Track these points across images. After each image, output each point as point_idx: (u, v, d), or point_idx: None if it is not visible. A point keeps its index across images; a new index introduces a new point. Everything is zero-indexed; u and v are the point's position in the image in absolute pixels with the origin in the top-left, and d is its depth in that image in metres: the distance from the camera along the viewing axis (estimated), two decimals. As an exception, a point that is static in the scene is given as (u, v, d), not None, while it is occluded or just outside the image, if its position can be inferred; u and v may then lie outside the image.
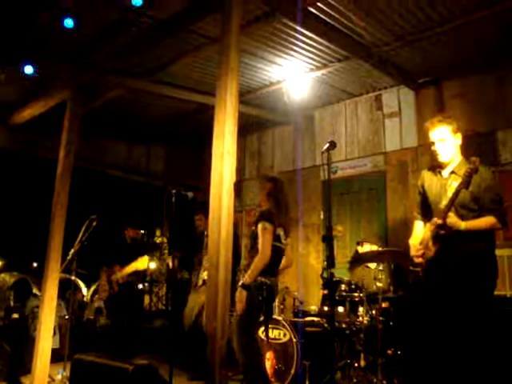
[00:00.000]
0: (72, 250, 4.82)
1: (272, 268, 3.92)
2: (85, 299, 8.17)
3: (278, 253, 3.90)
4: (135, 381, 3.31)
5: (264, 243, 3.74)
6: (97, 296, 6.12)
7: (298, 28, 4.69)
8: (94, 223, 4.87)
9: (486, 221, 3.08)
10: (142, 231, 6.65)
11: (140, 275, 6.07)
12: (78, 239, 4.84)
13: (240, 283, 3.69)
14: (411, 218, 5.87)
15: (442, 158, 3.29)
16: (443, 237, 3.16)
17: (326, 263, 5.32)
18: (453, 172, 3.24)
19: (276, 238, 3.87)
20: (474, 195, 3.12)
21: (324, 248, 6.83)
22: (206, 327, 4.82)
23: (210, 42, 4.81)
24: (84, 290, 8.09)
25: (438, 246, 3.21)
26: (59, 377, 4.25)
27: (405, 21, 4.66)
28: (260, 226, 3.81)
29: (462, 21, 4.70)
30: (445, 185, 3.24)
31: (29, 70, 4.32)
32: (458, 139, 3.27)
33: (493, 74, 5.67)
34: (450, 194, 3.11)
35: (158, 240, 9.61)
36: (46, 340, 4.25)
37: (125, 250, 5.97)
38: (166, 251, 10.00)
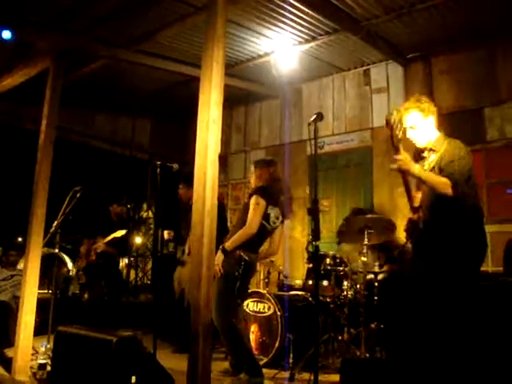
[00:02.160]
0: (55, 223, 4.75)
1: (253, 245, 3.90)
2: (70, 274, 8.14)
3: (263, 232, 3.89)
4: (119, 352, 3.30)
5: (253, 216, 3.74)
6: (75, 264, 6.09)
7: (288, -2, 4.61)
8: (78, 195, 4.78)
9: (441, 180, 2.99)
10: (129, 206, 6.56)
11: (121, 249, 6.04)
12: (62, 211, 4.76)
13: (220, 246, 3.69)
14: (397, 194, 5.97)
15: (418, 145, 3.26)
16: (430, 207, 3.17)
17: (311, 237, 5.38)
18: (431, 149, 3.21)
19: (265, 216, 3.87)
20: (438, 166, 3.09)
21: (309, 222, 6.85)
22: (189, 297, 4.93)
23: (196, 10, 4.72)
24: (69, 264, 8.05)
25: (425, 216, 3.22)
26: (43, 349, 4.21)
27: (396, -8, 4.60)
28: (253, 199, 3.81)
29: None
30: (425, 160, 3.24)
31: (6, 34, 4.16)
32: (430, 120, 3.20)
33: (481, 50, 5.65)
34: (426, 167, 3.13)
35: (144, 214, 9.57)
36: (28, 314, 4.18)
37: (109, 226, 5.94)
38: (153, 225, 9.98)
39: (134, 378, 3.29)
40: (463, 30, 5.35)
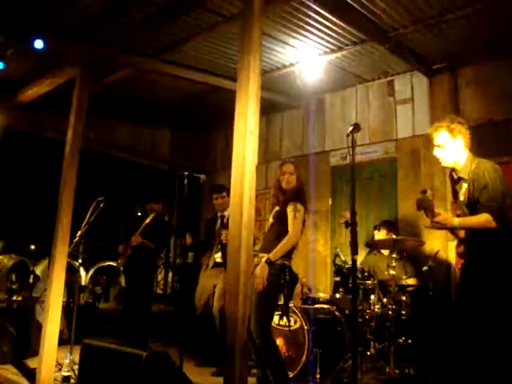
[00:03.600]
0: (79, 232, 4.71)
1: (292, 252, 3.85)
2: (83, 283, 8.11)
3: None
4: (149, 367, 3.23)
5: (295, 224, 3.70)
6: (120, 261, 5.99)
7: (316, 7, 4.55)
8: (102, 205, 4.76)
9: (479, 218, 3.04)
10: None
11: (160, 241, 5.93)
12: (85, 221, 4.73)
13: (265, 258, 3.63)
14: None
15: (443, 163, 3.33)
16: (468, 237, 3.23)
17: (338, 249, 5.32)
18: (460, 178, 3.26)
19: (303, 222, 3.83)
20: (472, 196, 3.14)
21: (330, 235, 6.78)
22: (216, 311, 4.85)
23: (225, 20, 4.68)
24: (82, 273, 8.03)
25: (465, 245, 3.28)
26: (67, 361, 4.15)
27: (426, 3, 4.53)
28: (291, 206, 3.74)
29: (481, 5, 4.58)
30: (459, 188, 3.30)
31: (39, 44, 4.16)
32: (458, 141, 3.24)
33: (508, 61, 5.54)
34: (462, 198, 3.23)
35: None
36: (53, 323, 4.13)
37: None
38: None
39: (163, 394, 3.22)
40: (490, 40, 5.27)
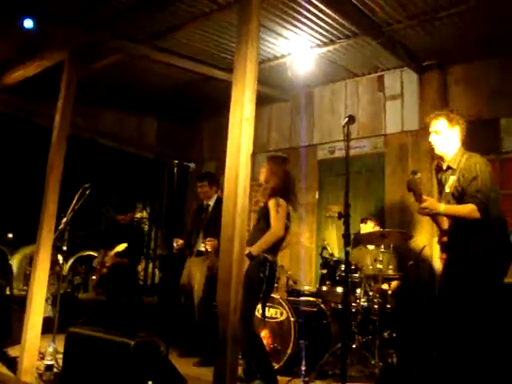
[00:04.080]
0: (64, 219, 4.62)
1: (277, 247, 3.84)
2: (63, 272, 7.99)
3: (286, 232, 3.85)
4: (136, 356, 3.19)
5: (278, 219, 3.68)
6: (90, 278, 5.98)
7: (312, -1, 4.53)
8: (88, 192, 4.68)
9: (465, 207, 3.13)
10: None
11: (134, 256, 5.93)
12: (71, 208, 4.64)
13: (246, 252, 3.57)
14: (408, 202, 5.92)
15: (436, 151, 3.43)
16: (452, 229, 3.31)
17: (325, 242, 5.34)
18: (449, 167, 3.35)
19: (287, 215, 3.83)
20: (460, 187, 3.22)
21: (316, 228, 6.79)
22: (197, 303, 4.82)
23: (220, 8, 4.62)
24: (61, 262, 7.90)
25: (448, 237, 3.36)
26: (50, 349, 4.07)
27: (421, -2, 4.54)
28: (273, 201, 3.74)
29: (475, 2, 4.60)
30: (445, 179, 3.39)
31: (28, 23, 4.04)
32: (454, 132, 3.34)
33: (498, 60, 5.60)
34: (448, 189, 3.31)
35: (139, 215, 9.45)
36: (36, 314, 4.02)
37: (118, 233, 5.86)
38: (147, 226, 9.87)
39: (150, 383, 3.18)
40: (481, 39, 5.31)
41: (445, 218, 3.39)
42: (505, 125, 5.51)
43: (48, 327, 4.37)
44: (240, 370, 3.96)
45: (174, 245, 5.02)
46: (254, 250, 3.67)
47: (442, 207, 3.18)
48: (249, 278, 3.60)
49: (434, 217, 3.37)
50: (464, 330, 3.09)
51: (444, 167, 3.41)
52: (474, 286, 3.10)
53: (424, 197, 3.20)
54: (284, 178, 3.97)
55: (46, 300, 6.10)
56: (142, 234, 6.40)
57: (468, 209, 3.11)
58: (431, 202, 3.18)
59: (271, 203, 3.80)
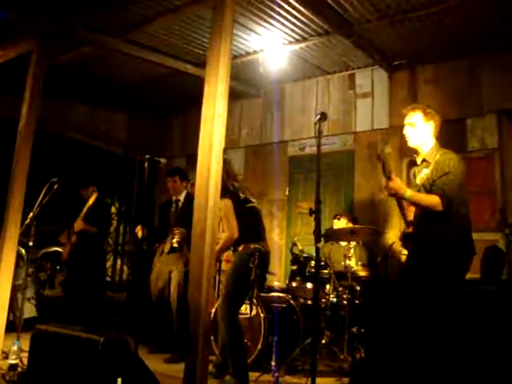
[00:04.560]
0: (31, 214, 4.51)
1: (258, 232, 3.95)
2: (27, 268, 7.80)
3: (253, 213, 3.96)
4: (105, 353, 3.13)
5: (228, 222, 3.77)
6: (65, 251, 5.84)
7: (285, -5, 4.54)
8: (56, 186, 4.58)
9: (430, 197, 3.14)
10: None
11: (102, 225, 5.83)
12: (38, 203, 4.53)
13: None
14: (378, 200, 6.01)
15: (409, 143, 3.41)
16: (418, 219, 3.31)
17: (296, 238, 5.36)
18: (424, 160, 3.35)
19: (245, 200, 3.91)
20: (431, 179, 3.22)
21: (286, 224, 6.83)
22: (174, 300, 4.79)
23: (192, 2, 4.57)
24: (26, 258, 7.71)
25: (415, 227, 3.35)
26: (14, 348, 3.96)
27: (393, -1, 4.60)
28: (221, 205, 3.75)
29: (445, 5, 4.70)
30: (417, 172, 3.40)
31: (-5, 12, 3.91)
32: (428, 126, 3.34)
33: (466, 61, 5.73)
34: (418, 181, 3.32)
35: (108, 210, 9.31)
36: (1, 311, 3.95)
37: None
38: (115, 221, 9.74)
39: (119, 381, 3.13)
40: (450, 40, 5.43)
41: (411, 209, 3.41)
42: (471, 125, 5.65)
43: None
44: (210, 366, 3.97)
45: (139, 234, 4.94)
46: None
47: (408, 193, 3.17)
48: (237, 269, 3.70)
49: (400, 204, 3.35)
50: (423, 323, 3.13)
51: (418, 161, 3.41)
52: (434, 279, 3.12)
53: (393, 176, 3.18)
54: (228, 175, 3.93)
55: (29, 300, 6.03)
56: (107, 207, 6.29)
57: (432, 200, 3.12)
58: (399, 184, 3.17)
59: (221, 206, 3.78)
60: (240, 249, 3.85)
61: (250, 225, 3.92)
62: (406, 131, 3.39)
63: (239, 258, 3.78)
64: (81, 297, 5.60)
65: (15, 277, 5.10)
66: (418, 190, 3.31)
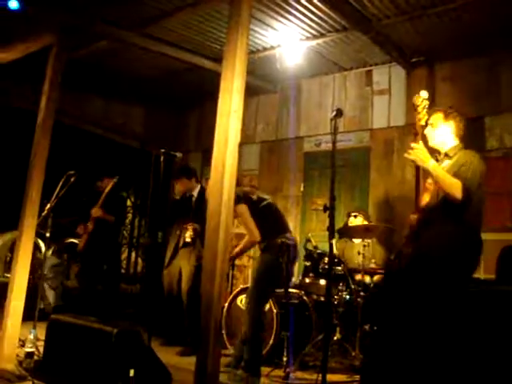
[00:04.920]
0: (48, 206, 4.58)
1: (283, 226, 4.10)
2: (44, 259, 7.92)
3: (272, 211, 4.09)
4: (119, 345, 3.19)
5: (247, 226, 3.91)
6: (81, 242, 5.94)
7: (303, -10, 4.52)
8: (73, 179, 4.64)
9: (453, 181, 3.04)
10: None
11: (120, 214, 5.92)
12: (55, 195, 4.61)
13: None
14: (393, 197, 5.97)
15: (430, 143, 3.41)
16: (430, 208, 3.26)
17: (310, 234, 5.35)
18: (446, 154, 3.35)
19: (257, 201, 4.02)
20: (452, 171, 3.17)
21: (300, 220, 6.82)
22: (184, 293, 4.84)
23: (210, -3, 4.58)
24: (43, 249, 7.83)
25: (424, 215, 3.27)
26: (31, 337, 4.03)
27: (412, -5, 4.56)
28: (237, 209, 3.83)
29: (464, 1, 4.64)
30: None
31: (13, 4, 3.95)
32: (449, 125, 3.38)
33: (485, 59, 5.65)
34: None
35: (123, 203, 9.40)
36: (18, 299, 3.99)
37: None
38: (130, 214, 9.83)
39: (132, 372, 3.17)
40: (468, 37, 5.35)
41: (427, 194, 3.36)
42: (489, 123, 5.58)
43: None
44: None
45: (186, 235, 4.97)
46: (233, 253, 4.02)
47: (432, 164, 3.11)
48: (266, 265, 3.85)
49: (418, 180, 3.24)
50: (430, 321, 3.09)
51: (440, 157, 3.38)
52: (440, 276, 3.09)
53: (420, 140, 3.15)
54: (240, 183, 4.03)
55: (55, 289, 6.15)
56: (124, 199, 6.39)
57: (454, 183, 3.04)
58: (424, 152, 3.12)
59: (238, 212, 3.91)
60: (265, 245, 3.95)
61: (270, 221, 4.03)
62: (427, 131, 3.40)
63: (267, 253, 3.89)
64: (95, 288, 5.67)
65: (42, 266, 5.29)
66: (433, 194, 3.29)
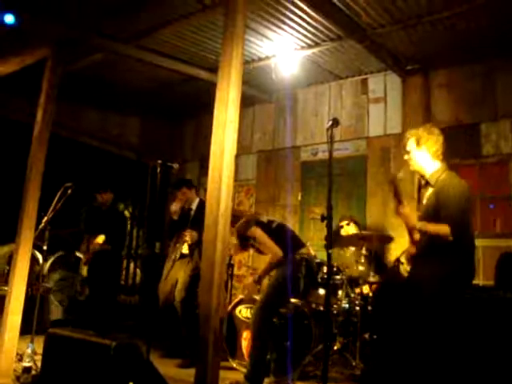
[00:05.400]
0: (45, 218, 4.56)
1: (297, 242, 4.20)
2: (42, 272, 7.90)
3: (283, 228, 4.20)
4: (117, 358, 3.15)
5: (267, 246, 4.01)
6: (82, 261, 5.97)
7: (297, 1, 4.54)
8: (70, 191, 4.63)
9: (440, 227, 3.18)
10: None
11: (117, 244, 5.93)
12: (52, 207, 4.59)
13: (256, 278, 4.16)
14: (390, 206, 5.96)
15: (411, 169, 3.54)
16: (424, 241, 3.38)
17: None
18: (427, 183, 3.44)
19: (268, 223, 4.15)
20: (436, 203, 3.29)
21: (298, 229, 6.80)
22: (178, 303, 4.82)
23: (204, 8, 4.61)
24: (41, 261, 7.80)
25: (417, 249, 3.48)
26: (28, 351, 4.00)
27: (406, 4, 4.58)
28: (252, 233, 4.03)
29: (460, 9, 4.66)
30: (423, 193, 3.53)
31: (9, 19, 3.95)
32: (422, 151, 3.42)
33: (480, 66, 5.68)
34: (424, 201, 3.44)
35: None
36: (15, 313, 3.98)
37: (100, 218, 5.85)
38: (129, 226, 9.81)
39: (131, 385, 3.14)
40: (464, 44, 5.38)
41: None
42: (485, 130, 5.59)
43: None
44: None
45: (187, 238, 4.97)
46: (261, 274, 4.15)
47: (418, 224, 3.30)
48: (280, 280, 3.93)
49: (407, 224, 3.44)
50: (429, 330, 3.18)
51: (423, 183, 3.50)
52: (430, 302, 3.18)
53: (405, 203, 3.32)
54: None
55: (61, 303, 6.15)
56: (124, 219, 6.40)
57: (442, 230, 3.16)
58: (409, 213, 3.32)
59: (253, 236, 4.08)
60: (281, 262, 4.01)
61: (285, 239, 4.09)
62: (406, 158, 3.51)
63: (281, 269, 3.96)
64: (95, 301, 5.67)
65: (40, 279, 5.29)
66: (424, 213, 3.37)
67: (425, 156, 3.42)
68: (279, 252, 3.96)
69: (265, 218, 4.28)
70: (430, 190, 3.38)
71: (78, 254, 6.61)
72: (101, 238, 5.71)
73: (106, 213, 5.92)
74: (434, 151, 3.40)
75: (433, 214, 3.30)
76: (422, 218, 3.38)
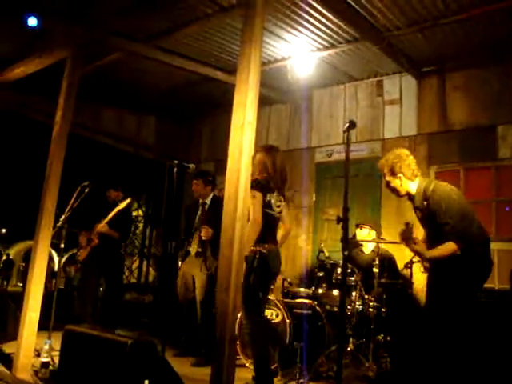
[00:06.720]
0: (62, 217, 4.63)
1: (266, 236, 3.84)
2: (55, 269, 8.00)
3: (269, 220, 3.84)
4: (133, 355, 3.19)
5: (253, 210, 3.68)
6: (77, 257, 5.98)
7: (314, 3, 4.56)
8: (87, 190, 4.70)
9: (446, 248, 3.26)
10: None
11: (124, 232, 5.95)
12: (69, 206, 4.66)
13: None
14: (405, 207, 5.95)
15: (397, 196, 3.65)
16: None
17: (321, 245, 5.37)
18: (416, 208, 3.55)
19: (266, 204, 3.81)
20: (433, 221, 3.36)
21: (313, 231, 6.83)
22: (198, 304, 4.85)
23: (222, 10, 4.64)
24: (56, 259, 7.91)
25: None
26: (46, 347, 4.07)
27: (423, 6, 4.58)
28: (252, 193, 3.72)
29: (476, 11, 4.65)
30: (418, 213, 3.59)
31: (33, 21, 4.03)
32: (399, 180, 3.48)
33: (497, 67, 5.65)
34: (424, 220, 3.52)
35: (134, 213, 9.47)
36: (33, 310, 4.03)
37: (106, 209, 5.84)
38: (141, 224, 9.91)
39: (146, 382, 3.19)
40: (480, 47, 5.37)
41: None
42: (501, 132, 5.56)
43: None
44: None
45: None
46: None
47: (428, 255, 3.38)
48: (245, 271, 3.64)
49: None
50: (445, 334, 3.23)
51: (414, 204, 3.56)
52: (449, 297, 3.24)
53: (417, 240, 3.40)
54: (270, 170, 3.88)
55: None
56: (129, 213, 6.43)
57: (449, 249, 3.24)
58: (421, 249, 3.39)
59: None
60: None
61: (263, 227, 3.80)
62: (387, 186, 3.60)
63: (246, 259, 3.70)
64: (95, 298, 5.72)
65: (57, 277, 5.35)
66: (430, 228, 3.46)
67: (404, 182, 3.48)
68: (259, 219, 3.68)
69: (267, 199, 3.83)
70: (422, 206, 3.44)
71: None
72: (123, 204, 5.65)
73: (112, 205, 5.88)
74: (411, 173, 3.46)
75: (436, 228, 3.36)
76: (430, 236, 3.50)
